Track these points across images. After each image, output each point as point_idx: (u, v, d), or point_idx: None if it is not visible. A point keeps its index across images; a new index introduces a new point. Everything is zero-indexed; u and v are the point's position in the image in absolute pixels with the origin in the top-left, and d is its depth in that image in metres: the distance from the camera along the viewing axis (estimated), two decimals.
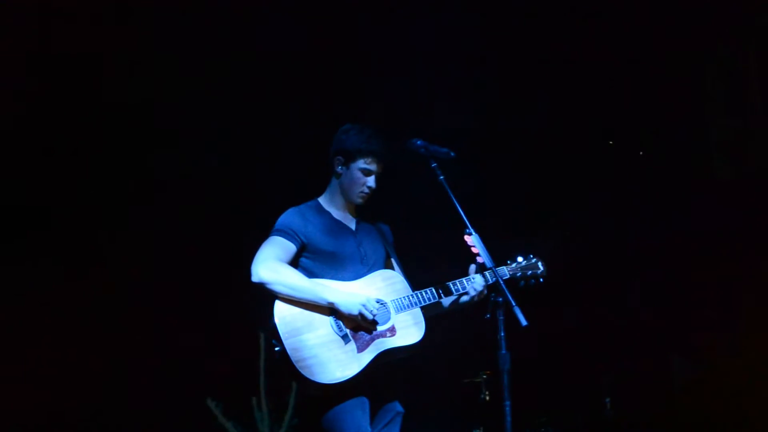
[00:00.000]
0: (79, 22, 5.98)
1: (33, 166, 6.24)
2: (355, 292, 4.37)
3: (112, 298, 6.30)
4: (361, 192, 4.54)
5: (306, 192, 4.66)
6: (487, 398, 5.95)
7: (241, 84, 6.47)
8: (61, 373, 6.16)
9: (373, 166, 4.51)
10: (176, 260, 6.40)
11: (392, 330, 4.38)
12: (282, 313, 4.26)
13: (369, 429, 4.30)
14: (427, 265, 4.76)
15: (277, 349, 4.22)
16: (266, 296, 4.30)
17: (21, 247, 6.16)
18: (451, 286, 4.52)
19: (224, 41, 6.34)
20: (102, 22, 6.03)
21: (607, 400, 6.63)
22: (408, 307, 4.43)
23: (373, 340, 4.33)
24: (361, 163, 4.50)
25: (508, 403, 4.07)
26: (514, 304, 4.04)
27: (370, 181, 4.53)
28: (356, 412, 4.27)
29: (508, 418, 4.07)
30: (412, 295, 4.47)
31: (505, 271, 4.64)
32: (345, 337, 4.29)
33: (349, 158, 4.51)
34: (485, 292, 4.51)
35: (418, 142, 4.41)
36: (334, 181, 4.59)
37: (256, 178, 6.58)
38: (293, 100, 6.57)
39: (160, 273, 6.40)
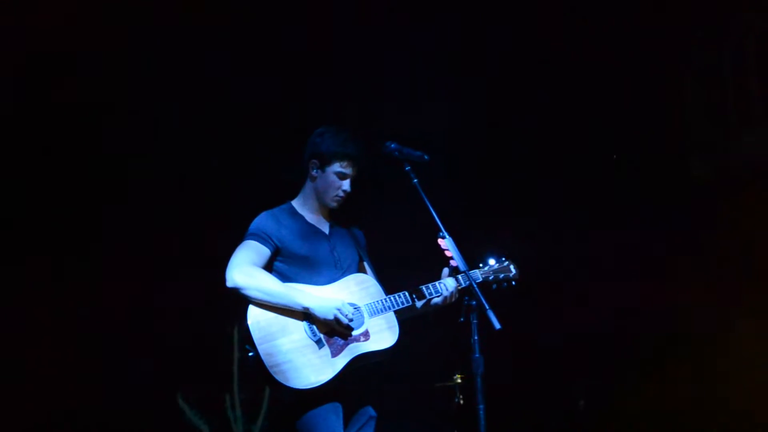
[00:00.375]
0: (61, 20, 5.95)
1: (29, 167, 6.21)
2: (329, 297, 4.35)
3: (86, 294, 6.27)
4: (336, 196, 4.52)
5: (279, 195, 4.64)
6: (462, 402, 5.96)
7: (214, 87, 6.45)
8: (32, 370, 6.13)
9: (348, 170, 4.49)
10: (150, 257, 6.38)
11: (366, 334, 4.36)
12: (255, 317, 4.24)
13: None
14: (400, 268, 4.75)
15: (250, 354, 4.20)
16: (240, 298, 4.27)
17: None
18: (424, 289, 4.51)
19: (197, 45, 6.32)
20: (87, 20, 6.00)
21: (581, 402, 6.64)
22: (381, 311, 4.42)
23: (347, 344, 4.31)
24: (337, 167, 4.48)
25: (482, 406, 4.06)
26: (487, 307, 4.03)
27: (346, 184, 4.51)
28: (330, 417, 4.25)
29: (482, 422, 4.06)
30: (385, 299, 4.46)
31: (477, 274, 4.63)
32: (319, 342, 4.27)
33: (325, 162, 4.49)
34: (457, 295, 4.51)
35: (392, 145, 4.38)
36: (309, 185, 4.56)
37: (230, 180, 6.55)
38: (268, 102, 6.55)
39: (135, 270, 6.37)
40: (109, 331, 6.31)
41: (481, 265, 4.70)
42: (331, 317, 4.27)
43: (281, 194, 4.65)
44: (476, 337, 4.09)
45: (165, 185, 6.48)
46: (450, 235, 4.26)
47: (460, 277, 4.50)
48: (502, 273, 4.71)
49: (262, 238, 4.38)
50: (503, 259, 4.76)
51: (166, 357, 6.30)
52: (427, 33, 6.58)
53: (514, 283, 4.71)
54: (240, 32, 6.42)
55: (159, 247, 6.40)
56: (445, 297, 4.51)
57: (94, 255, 6.34)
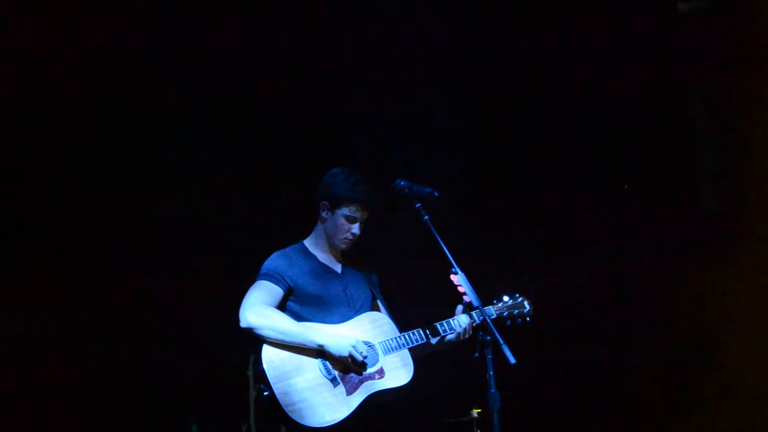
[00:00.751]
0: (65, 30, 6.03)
1: (28, 171, 6.25)
2: (343, 335, 4.37)
3: (100, 318, 6.28)
4: (345, 238, 4.54)
5: (292, 233, 4.67)
6: None
7: (229, 120, 6.50)
8: (49, 396, 6.13)
9: (357, 214, 4.51)
10: (169, 287, 6.41)
11: (381, 372, 4.37)
12: (270, 357, 4.25)
13: None
14: (414, 305, 4.76)
15: (266, 393, 4.21)
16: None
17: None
18: (439, 326, 4.52)
19: (207, 74, 6.39)
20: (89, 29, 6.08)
21: None
22: (396, 348, 4.43)
23: (362, 382, 4.32)
24: (346, 211, 4.50)
25: None
26: (502, 342, 4.03)
27: (355, 228, 4.53)
28: None
29: None
30: (399, 336, 4.47)
31: (491, 310, 4.65)
32: (334, 380, 4.28)
33: (335, 205, 4.51)
34: (471, 331, 4.51)
35: (402, 183, 4.41)
36: (320, 226, 4.59)
37: (246, 216, 6.59)
38: (280, 139, 6.59)
39: (152, 299, 6.39)
40: (121, 361, 6.30)
41: (495, 301, 4.72)
42: (346, 354, 4.28)
43: (294, 232, 4.67)
44: (491, 373, 4.09)
45: (183, 222, 6.51)
46: (462, 270, 4.27)
47: (474, 313, 4.50)
48: (516, 309, 4.73)
49: (275, 278, 4.41)
50: (517, 295, 4.78)
51: (181, 390, 6.30)
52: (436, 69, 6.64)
53: (528, 318, 4.73)
54: (249, 59, 6.47)
55: (172, 273, 6.42)
56: (459, 333, 4.52)
57: (100, 278, 6.35)
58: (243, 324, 4.31)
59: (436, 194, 4.40)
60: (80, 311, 6.24)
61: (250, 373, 5.68)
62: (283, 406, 4.15)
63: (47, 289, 6.20)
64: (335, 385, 4.27)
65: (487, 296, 4.63)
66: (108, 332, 6.28)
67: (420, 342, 4.47)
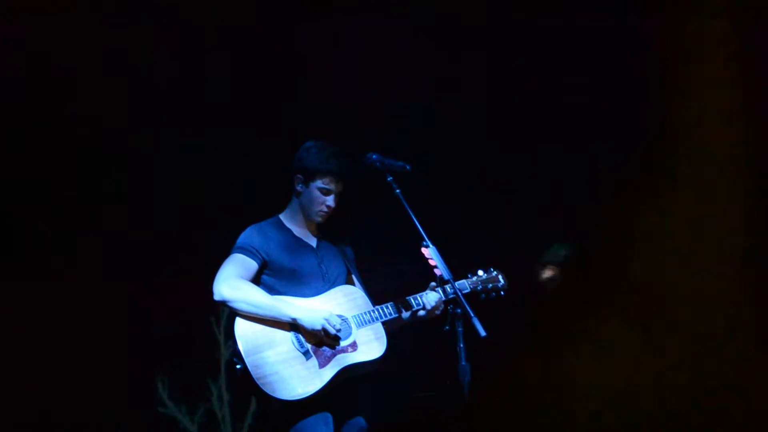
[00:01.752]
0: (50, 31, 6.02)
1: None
2: (317, 308, 4.39)
3: (81, 292, 6.31)
4: (320, 211, 4.56)
5: (268, 208, 4.69)
6: None
7: (205, 96, 6.50)
8: (31, 368, 6.17)
9: (331, 186, 4.52)
10: (144, 258, 6.44)
11: (354, 345, 4.40)
12: (243, 330, 4.28)
13: None
14: (388, 279, 4.79)
15: (238, 366, 4.24)
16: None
17: None
18: (412, 300, 4.54)
19: (181, 58, 6.39)
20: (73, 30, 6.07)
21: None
22: (369, 322, 4.45)
23: (334, 355, 4.34)
24: (320, 183, 4.51)
25: None
26: (472, 315, 4.07)
27: (329, 200, 4.54)
28: (320, 427, 4.28)
29: None
30: (373, 310, 4.49)
31: (465, 284, 4.66)
32: (306, 353, 4.30)
33: (308, 177, 4.52)
34: (442, 306, 4.54)
35: (374, 156, 4.43)
36: (295, 200, 4.61)
37: (221, 187, 6.61)
38: (256, 115, 6.60)
39: (129, 268, 6.43)
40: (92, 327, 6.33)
41: (469, 275, 4.74)
42: (319, 327, 4.30)
43: (269, 207, 4.69)
44: (462, 345, 4.13)
45: (156, 187, 6.53)
46: (435, 244, 4.29)
47: (447, 287, 4.53)
48: (490, 283, 4.75)
49: (249, 252, 4.42)
50: (491, 269, 4.80)
51: (149, 346, 6.34)
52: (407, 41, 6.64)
53: (502, 293, 4.76)
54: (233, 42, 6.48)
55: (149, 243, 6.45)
56: (432, 307, 4.54)
57: (67, 252, 6.36)
58: (216, 297, 4.33)
59: (407, 168, 4.42)
60: (60, 286, 6.29)
61: (221, 335, 5.72)
62: (255, 378, 4.17)
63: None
64: (308, 358, 4.29)
65: (462, 272, 4.67)
66: (78, 290, 6.31)
67: (392, 316, 4.50)
